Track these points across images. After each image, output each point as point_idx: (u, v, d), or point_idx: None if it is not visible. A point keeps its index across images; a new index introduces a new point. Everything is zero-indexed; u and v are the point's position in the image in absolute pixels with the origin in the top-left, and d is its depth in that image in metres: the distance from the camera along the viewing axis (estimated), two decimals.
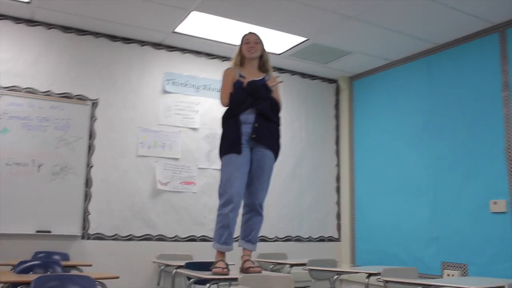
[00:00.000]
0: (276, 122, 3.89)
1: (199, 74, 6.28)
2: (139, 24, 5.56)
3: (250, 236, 3.78)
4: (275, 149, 3.86)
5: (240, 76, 3.85)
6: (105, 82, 5.76)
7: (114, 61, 5.85)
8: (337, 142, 7.23)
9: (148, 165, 5.83)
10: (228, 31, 5.61)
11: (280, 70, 6.83)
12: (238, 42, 4.03)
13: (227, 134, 3.75)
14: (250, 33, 3.98)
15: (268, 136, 3.79)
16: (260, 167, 3.76)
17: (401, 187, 6.13)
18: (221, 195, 3.67)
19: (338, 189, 7.12)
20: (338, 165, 7.18)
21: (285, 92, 6.44)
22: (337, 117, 7.30)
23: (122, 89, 5.84)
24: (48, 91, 5.44)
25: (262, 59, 3.99)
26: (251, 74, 3.89)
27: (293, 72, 7.03)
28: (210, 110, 6.24)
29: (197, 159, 6.11)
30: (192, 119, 6.16)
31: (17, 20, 5.40)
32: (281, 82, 3.96)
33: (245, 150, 3.70)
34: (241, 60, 3.96)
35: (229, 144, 3.71)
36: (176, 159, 5.99)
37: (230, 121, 3.75)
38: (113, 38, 5.86)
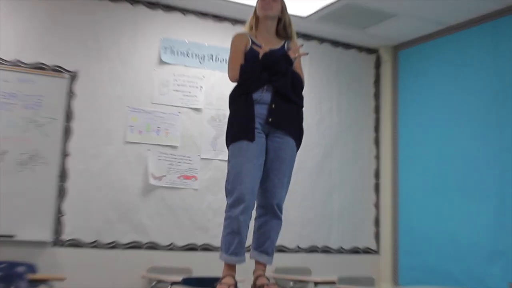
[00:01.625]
0: (298, 103, 3.82)
1: (204, 40, 6.27)
2: None
3: (265, 245, 3.68)
4: (296, 135, 3.78)
5: (253, 43, 3.76)
6: (87, 50, 5.75)
7: (98, 24, 5.85)
8: (377, 128, 7.25)
9: (139, 154, 5.83)
10: None
11: (306, 37, 6.79)
12: (252, 3, 3.99)
13: (237, 116, 3.69)
14: None
15: (288, 119, 3.73)
16: (279, 157, 3.68)
17: (458, 187, 6.10)
18: (229, 193, 3.58)
19: (377, 188, 7.14)
20: (377, 157, 7.20)
21: (312, 65, 6.45)
22: (377, 96, 7.33)
23: (107, 59, 5.84)
24: (16, 60, 5.45)
25: (283, 22, 3.88)
26: (268, 41, 3.79)
27: (322, 40, 7.02)
28: (217, 86, 6.19)
29: (199, 148, 6.10)
30: (194, 97, 6.15)
31: None
32: (305, 54, 3.90)
33: (259, 136, 3.62)
34: (256, 23, 3.87)
35: (239, 129, 3.63)
36: (174, 147, 6.00)
37: (240, 100, 3.69)
38: None
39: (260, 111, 3.64)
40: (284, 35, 3.89)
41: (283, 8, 3.86)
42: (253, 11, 3.87)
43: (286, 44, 3.84)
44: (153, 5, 6.09)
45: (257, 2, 3.85)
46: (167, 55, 6.08)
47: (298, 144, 3.81)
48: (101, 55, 5.81)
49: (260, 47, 3.71)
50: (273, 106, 3.65)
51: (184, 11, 6.22)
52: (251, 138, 3.56)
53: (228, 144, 3.69)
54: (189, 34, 6.22)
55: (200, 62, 6.20)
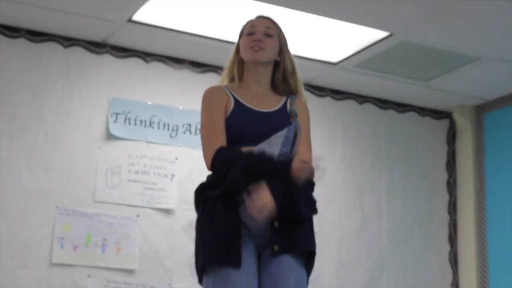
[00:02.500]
0: (309, 215, 3.53)
1: (178, 102, 6.13)
2: (65, 7, 5.45)
3: None
4: (305, 250, 3.52)
5: (238, 103, 3.50)
6: None
7: (13, 77, 5.64)
8: (453, 227, 7.11)
9: (73, 283, 5.53)
10: (229, 15, 5.48)
11: (336, 93, 6.67)
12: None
13: (210, 227, 3.41)
14: (258, 16, 3.64)
15: (298, 236, 3.48)
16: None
17: None
18: None
19: None
20: (455, 265, 7.03)
21: (346, 137, 6.48)
22: (451, 180, 7.16)
23: (27, 133, 5.61)
24: None
25: (282, 68, 3.58)
26: (258, 98, 3.52)
27: (362, 98, 6.89)
28: (198, 173, 5.57)
29: (170, 274, 5.83)
30: (162, 192, 5.95)
31: None
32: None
33: (249, 260, 3.36)
34: (240, 69, 3.60)
35: (216, 249, 3.36)
36: (130, 271, 5.70)
37: (214, 204, 3.39)
38: (11, 31, 5.72)
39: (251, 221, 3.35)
40: (285, 88, 3.64)
41: (283, 46, 3.60)
42: (234, 50, 3.65)
43: (288, 103, 3.57)
44: (98, 47, 5.92)
45: (240, 37, 3.63)
46: (118, 126, 5.87)
47: (309, 268, 3.52)
48: (16, 128, 5.54)
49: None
50: (276, 224, 3.35)
51: (146, 55, 6.04)
52: (235, 264, 3.26)
53: (200, 274, 3.40)
54: (153, 92, 6.04)
55: (171, 136, 6.02)
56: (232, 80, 3.58)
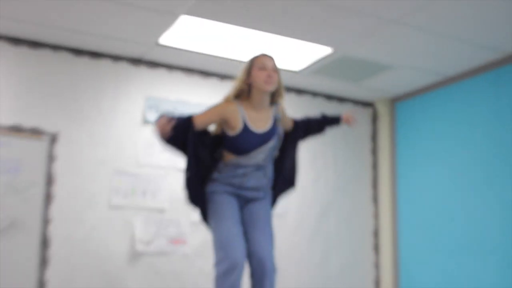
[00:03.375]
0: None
1: (191, 98, 6.30)
2: (112, 34, 5.60)
3: None
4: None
5: (244, 124, 3.73)
6: (68, 111, 5.76)
7: (79, 83, 5.86)
8: (375, 185, 7.28)
9: (124, 219, 5.81)
10: (228, 41, 5.65)
11: (299, 91, 6.90)
12: (241, 58, 3.94)
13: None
14: (265, 55, 3.83)
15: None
16: (257, 216, 3.80)
17: (462, 245, 6.09)
18: (222, 260, 3.57)
19: (376, 248, 7.13)
20: (376, 215, 7.21)
21: None
22: (374, 152, 7.37)
23: (89, 120, 5.85)
24: None
25: (278, 92, 3.87)
26: (259, 116, 3.78)
27: (315, 94, 7.08)
28: None
29: (189, 212, 5.88)
30: (181, 158, 6.00)
31: None
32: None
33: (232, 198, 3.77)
34: (244, 89, 3.81)
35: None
36: (162, 210, 5.98)
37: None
38: (78, 52, 5.91)
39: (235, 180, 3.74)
40: (275, 101, 3.88)
41: (279, 77, 3.82)
42: (244, 74, 3.78)
43: (274, 114, 3.83)
44: (136, 62, 6.13)
45: (252, 67, 3.76)
46: (152, 114, 6.05)
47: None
48: (82, 116, 5.81)
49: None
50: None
51: (170, 67, 6.26)
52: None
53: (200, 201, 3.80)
54: (175, 92, 6.25)
55: None
56: (238, 95, 3.77)
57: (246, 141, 3.68)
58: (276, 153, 3.85)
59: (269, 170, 3.83)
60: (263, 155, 3.72)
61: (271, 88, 3.73)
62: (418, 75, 6.50)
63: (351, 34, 5.48)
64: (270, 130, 3.76)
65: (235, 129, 3.68)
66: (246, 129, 3.69)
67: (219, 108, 3.75)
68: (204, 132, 3.80)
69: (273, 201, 3.98)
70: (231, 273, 3.50)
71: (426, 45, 5.67)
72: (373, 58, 6.05)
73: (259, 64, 3.74)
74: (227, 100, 3.79)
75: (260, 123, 3.74)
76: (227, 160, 3.74)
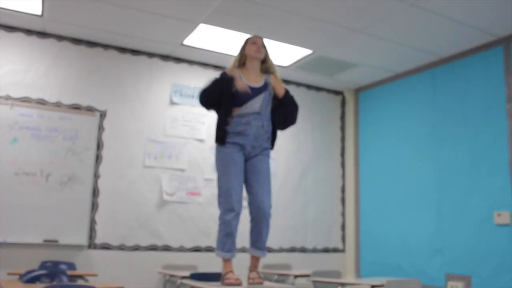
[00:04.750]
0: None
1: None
2: (148, 37, 5.58)
3: (258, 242, 3.70)
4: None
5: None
6: (114, 94, 5.77)
7: (122, 73, 5.87)
8: (343, 154, 7.20)
9: (155, 175, 5.81)
10: (235, 44, 5.39)
11: (287, 82, 6.65)
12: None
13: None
14: (256, 36, 3.92)
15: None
16: (257, 171, 3.73)
17: (406, 199, 6.08)
18: (221, 204, 3.62)
19: (343, 200, 7.08)
20: (343, 176, 7.15)
21: None
22: (342, 128, 7.27)
23: (130, 100, 5.85)
24: (57, 102, 5.47)
25: (266, 63, 3.90)
26: (252, 76, 3.80)
27: (299, 84, 7.00)
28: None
29: (203, 170, 6.07)
30: (198, 130, 6.13)
31: (29, 32, 5.45)
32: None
33: (239, 155, 3.69)
34: (242, 60, 3.86)
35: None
36: (182, 170, 5.96)
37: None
38: (122, 50, 5.89)
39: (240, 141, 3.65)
40: (265, 71, 3.88)
41: (267, 52, 3.89)
42: (240, 51, 3.87)
43: (266, 79, 3.82)
44: (166, 58, 6.08)
45: (246, 44, 3.85)
46: (177, 97, 6.05)
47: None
48: (125, 98, 5.81)
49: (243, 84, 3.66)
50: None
51: (191, 62, 6.22)
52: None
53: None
54: (194, 81, 6.15)
55: None
56: (239, 65, 3.81)
57: (244, 93, 3.66)
58: (270, 107, 3.78)
59: (266, 120, 3.74)
60: (259, 104, 3.66)
61: (260, 56, 3.80)
62: (375, 71, 6.45)
63: (327, 40, 5.47)
64: (262, 87, 3.75)
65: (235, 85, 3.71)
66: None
67: (227, 72, 3.78)
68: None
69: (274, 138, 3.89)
70: (227, 214, 3.53)
71: (381, 49, 5.64)
72: (343, 58, 6.02)
73: (251, 41, 3.84)
74: (230, 69, 3.81)
75: (253, 81, 3.75)
76: (234, 113, 3.66)
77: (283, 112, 3.85)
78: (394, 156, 6.37)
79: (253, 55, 3.80)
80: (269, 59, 3.91)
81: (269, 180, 3.74)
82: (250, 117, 3.66)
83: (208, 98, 3.75)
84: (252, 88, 3.70)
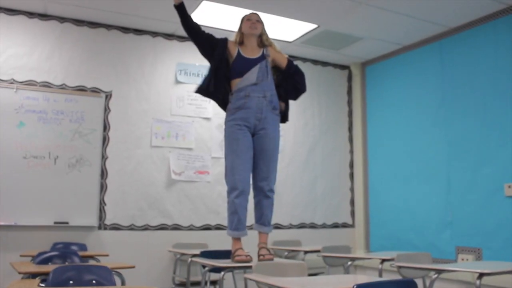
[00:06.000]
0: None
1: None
2: (151, 15, 5.57)
3: (262, 219, 3.77)
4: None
5: (238, 53, 3.85)
6: (118, 74, 5.78)
7: (126, 53, 5.87)
8: (350, 129, 7.20)
9: (162, 155, 5.85)
10: (238, 20, 5.51)
11: (292, 57, 6.31)
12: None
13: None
14: (251, 12, 4.01)
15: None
16: (263, 149, 3.78)
17: (415, 172, 6.08)
18: (227, 182, 3.71)
19: (351, 176, 7.09)
20: (351, 151, 7.15)
21: None
22: (349, 103, 7.25)
23: (135, 81, 5.85)
24: (62, 84, 5.49)
25: (262, 38, 3.96)
26: (250, 50, 3.88)
27: (304, 60, 6.96)
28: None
29: (210, 149, 6.11)
30: (204, 109, 6.15)
31: (31, 15, 5.46)
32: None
33: (246, 134, 3.75)
34: (241, 38, 3.93)
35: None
36: (190, 149, 5.99)
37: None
38: (125, 30, 5.89)
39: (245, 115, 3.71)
40: (263, 45, 3.93)
41: (263, 27, 3.97)
42: (238, 29, 3.96)
43: (264, 51, 3.89)
44: (169, 36, 6.08)
45: (242, 21, 3.95)
46: (182, 76, 6.06)
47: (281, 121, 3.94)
48: (130, 78, 5.82)
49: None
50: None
51: None
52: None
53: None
54: (199, 59, 5.57)
55: None
56: (238, 42, 3.89)
57: (240, 64, 3.76)
58: (270, 77, 3.82)
59: (269, 91, 3.78)
60: (255, 74, 3.72)
61: (255, 32, 3.87)
62: (382, 44, 6.41)
63: (332, 13, 5.46)
64: (259, 58, 3.82)
65: (233, 56, 3.81)
66: (239, 55, 3.81)
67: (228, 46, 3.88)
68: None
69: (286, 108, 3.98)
70: (232, 193, 3.62)
71: (387, 21, 5.62)
72: (348, 32, 6.00)
73: (246, 18, 3.93)
74: (232, 42, 3.91)
75: (250, 53, 3.83)
76: (233, 89, 3.76)
77: (292, 82, 3.95)
78: (402, 130, 6.37)
79: (248, 31, 3.87)
80: (264, 33, 3.97)
81: (275, 157, 3.80)
82: (248, 89, 3.72)
83: (198, 34, 3.88)
84: (248, 59, 3.80)
